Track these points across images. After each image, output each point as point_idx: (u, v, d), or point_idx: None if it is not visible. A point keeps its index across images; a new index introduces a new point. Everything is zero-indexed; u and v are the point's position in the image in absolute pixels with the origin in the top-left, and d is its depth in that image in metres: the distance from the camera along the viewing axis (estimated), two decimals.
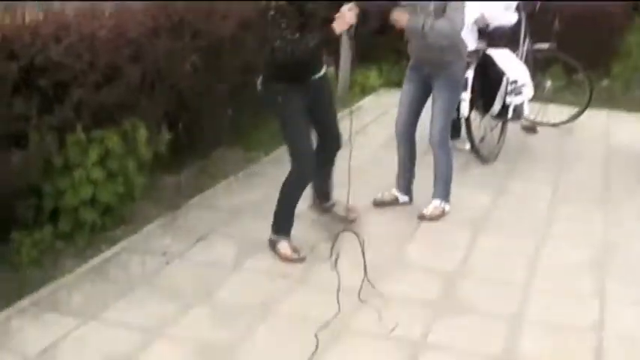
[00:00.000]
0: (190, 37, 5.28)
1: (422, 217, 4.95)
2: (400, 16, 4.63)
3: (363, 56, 7.98)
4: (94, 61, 4.38)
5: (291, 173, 4.37)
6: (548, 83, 7.09)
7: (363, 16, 4.13)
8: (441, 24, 4.54)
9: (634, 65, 10.28)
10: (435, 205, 5.00)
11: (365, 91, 8.24)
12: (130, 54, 4.69)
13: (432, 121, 4.89)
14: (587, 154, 6.67)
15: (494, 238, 4.74)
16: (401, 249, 4.54)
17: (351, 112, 4.50)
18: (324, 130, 4.50)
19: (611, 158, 6.59)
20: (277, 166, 5.84)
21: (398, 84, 5.74)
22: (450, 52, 4.76)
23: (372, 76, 8.39)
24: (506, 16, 6.29)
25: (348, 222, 4.49)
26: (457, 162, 6.02)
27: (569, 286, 4.12)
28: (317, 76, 4.37)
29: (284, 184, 4.39)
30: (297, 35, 4.04)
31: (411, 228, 4.86)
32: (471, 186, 5.67)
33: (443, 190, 5.02)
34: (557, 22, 7.46)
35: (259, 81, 4.38)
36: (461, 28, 4.72)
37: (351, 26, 4.07)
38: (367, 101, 8.01)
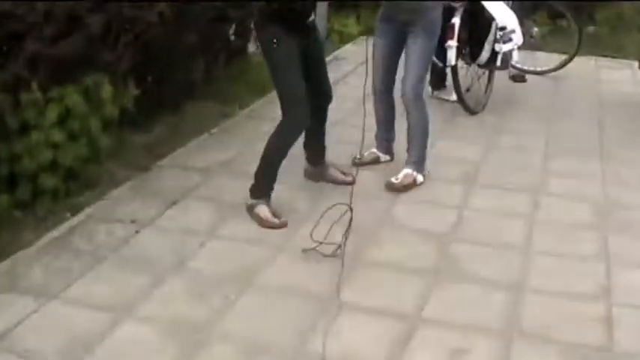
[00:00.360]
0: None
1: (390, 187, 4.44)
2: None
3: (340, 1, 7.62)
4: (50, 10, 3.97)
5: (282, 124, 4.02)
6: (535, 30, 6.76)
7: None
8: None
9: (618, 12, 10.04)
10: (405, 174, 4.49)
11: (343, 39, 7.85)
12: (91, 2, 4.28)
13: (405, 75, 4.45)
14: (578, 103, 6.39)
15: (488, 196, 4.45)
16: (389, 211, 4.23)
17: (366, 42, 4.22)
18: (316, 83, 4.13)
19: (603, 107, 6.32)
20: (254, 122, 5.53)
21: None
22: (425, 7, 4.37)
23: (350, 23, 8.00)
24: None
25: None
26: (443, 113, 5.79)
27: (571, 248, 3.84)
28: (310, 19, 4.04)
29: (272, 137, 4.03)
30: None
31: None
32: (458, 139, 5.38)
33: (416, 156, 4.53)
34: None
35: (231, 30, 4.02)
36: None
37: None
38: (346, 50, 7.64)
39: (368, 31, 7.85)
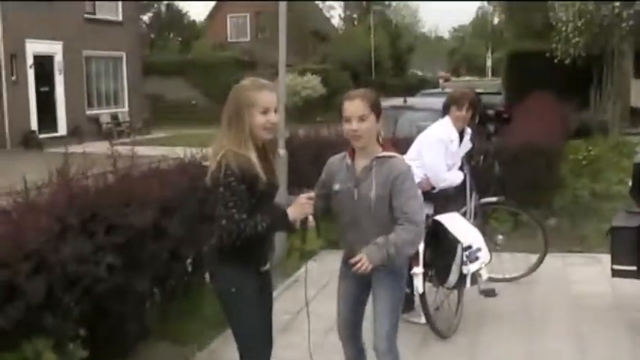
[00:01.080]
0: (104, 233, 4.63)
1: None
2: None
3: None
4: None
5: None
6: (500, 238, 6.62)
7: None
8: (405, 236, 3.78)
9: (572, 194, 10.13)
10: None
11: (304, 256, 7.61)
12: (31, 267, 3.99)
13: (375, 324, 4.03)
14: (553, 312, 6.13)
15: None
16: None
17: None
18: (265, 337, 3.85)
19: (580, 314, 6.06)
20: None
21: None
22: None
23: (311, 237, 7.79)
24: (451, 175, 5.87)
25: None
26: (413, 338, 5.46)
27: None
28: (267, 267, 3.83)
29: None
30: (245, 216, 3.48)
31: None
32: None
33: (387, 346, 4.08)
34: (497, 167, 7.09)
35: (208, 273, 3.77)
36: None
37: (305, 218, 3.73)
38: (308, 270, 7.36)
39: (330, 245, 7.69)
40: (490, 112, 14.57)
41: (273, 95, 3.60)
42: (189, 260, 5.94)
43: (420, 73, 68.55)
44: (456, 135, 5.87)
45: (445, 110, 5.98)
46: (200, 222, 5.72)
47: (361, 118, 3.80)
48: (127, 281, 4.75)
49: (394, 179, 3.81)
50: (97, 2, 26.69)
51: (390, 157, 3.88)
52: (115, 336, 4.92)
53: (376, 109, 3.85)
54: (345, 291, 4.19)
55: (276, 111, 3.61)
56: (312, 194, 3.72)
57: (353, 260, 3.71)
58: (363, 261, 3.69)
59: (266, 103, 3.55)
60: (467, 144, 6.13)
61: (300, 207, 3.64)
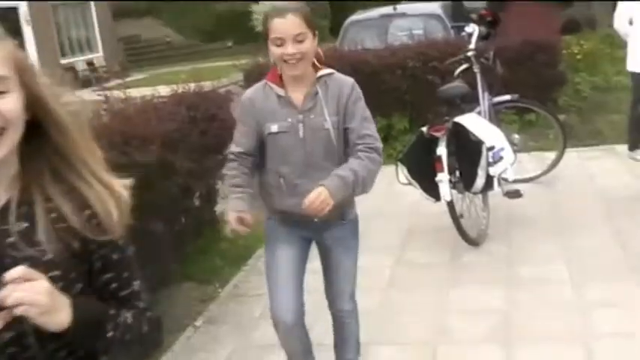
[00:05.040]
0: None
1: None
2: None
3: None
4: None
5: None
6: (517, 137, 6.31)
7: None
8: (372, 167, 3.05)
9: (574, 90, 9.84)
10: None
11: None
12: None
13: (338, 285, 3.34)
14: (583, 209, 5.88)
15: (532, 359, 3.80)
16: None
17: None
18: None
19: (610, 207, 5.82)
20: (241, 303, 4.91)
21: None
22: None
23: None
24: None
25: None
26: (443, 251, 5.22)
27: None
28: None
29: None
30: None
31: None
32: (472, 282, 4.78)
33: (356, 347, 3.54)
34: (499, 66, 6.73)
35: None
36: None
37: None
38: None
39: None
40: (473, 16, 14.15)
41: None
42: (196, 195, 5.65)
43: None
44: None
45: None
46: (205, 154, 5.42)
47: (298, 39, 2.96)
48: (139, 223, 4.44)
49: (347, 98, 3.07)
50: None
51: (331, 73, 3.13)
52: None
53: (313, 26, 3.04)
54: (284, 259, 3.24)
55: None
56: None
57: (309, 198, 2.87)
58: (323, 197, 2.87)
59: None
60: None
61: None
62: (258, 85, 3.17)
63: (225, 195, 3.29)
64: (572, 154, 7.20)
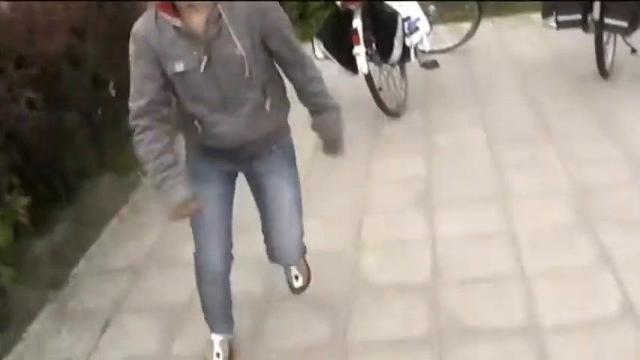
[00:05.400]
0: (14, 67, 4.13)
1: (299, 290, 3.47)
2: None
3: None
4: None
5: None
6: (432, 8, 6.27)
7: None
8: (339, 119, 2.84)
9: None
10: (300, 268, 3.43)
11: None
12: None
13: (283, 228, 2.92)
14: (499, 76, 5.98)
15: (454, 221, 3.92)
16: (356, 274, 3.66)
17: None
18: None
19: (526, 74, 5.93)
20: None
21: None
22: (283, 118, 2.87)
23: None
24: None
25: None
26: (366, 124, 5.27)
27: (570, 260, 3.40)
28: None
29: None
30: None
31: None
32: (394, 152, 4.87)
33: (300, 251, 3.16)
34: None
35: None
36: None
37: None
38: None
39: None
40: None
41: None
42: (111, 85, 5.49)
43: None
44: None
45: None
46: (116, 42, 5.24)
47: None
48: (52, 116, 4.32)
49: (262, 16, 2.55)
50: None
51: None
52: (52, 179, 4.55)
53: None
54: (208, 200, 2.77)
55: None
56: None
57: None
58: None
59: None
60: None
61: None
62: (148, 17, 2.55)
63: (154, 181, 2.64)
64: (487, 24, 7.24)
